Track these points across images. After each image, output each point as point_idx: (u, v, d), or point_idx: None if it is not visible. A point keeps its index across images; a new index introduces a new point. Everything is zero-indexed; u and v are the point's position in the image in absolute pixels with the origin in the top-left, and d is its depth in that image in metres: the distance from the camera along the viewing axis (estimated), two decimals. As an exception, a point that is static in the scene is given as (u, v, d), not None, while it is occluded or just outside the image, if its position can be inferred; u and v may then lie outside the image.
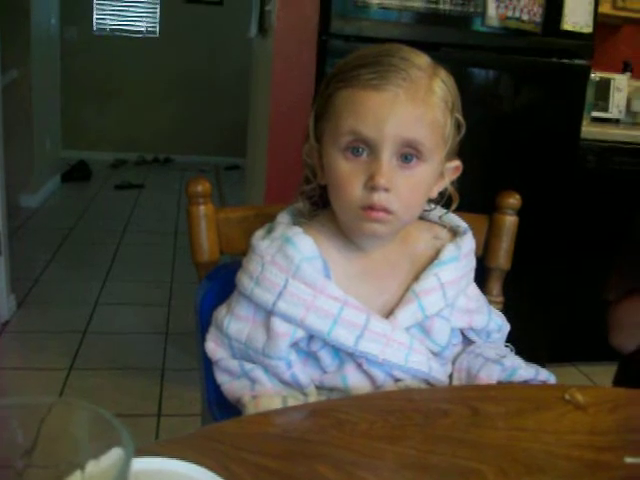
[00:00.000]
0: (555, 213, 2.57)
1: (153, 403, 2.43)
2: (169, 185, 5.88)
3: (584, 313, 2.82)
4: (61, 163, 5.63)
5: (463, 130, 0.97)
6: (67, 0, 5.74)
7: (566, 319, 2.80)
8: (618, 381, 1.49)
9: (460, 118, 0.96)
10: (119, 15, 6.67)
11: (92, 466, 0.39)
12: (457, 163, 1.00)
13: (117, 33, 6.65)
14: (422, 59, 0.93)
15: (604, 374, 2.83)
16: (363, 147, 0.90)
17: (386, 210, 0.91)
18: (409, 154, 0.90)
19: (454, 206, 1.03)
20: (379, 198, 0.90)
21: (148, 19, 6.71)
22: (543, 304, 2.70)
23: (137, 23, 6.72)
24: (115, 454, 0.38)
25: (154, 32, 6.71)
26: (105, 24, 6.64)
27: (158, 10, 6.67)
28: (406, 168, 0.91)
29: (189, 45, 6.57)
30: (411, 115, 0.89)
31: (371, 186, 0.89)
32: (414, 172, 0.91)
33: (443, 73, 0.95)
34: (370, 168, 0.90)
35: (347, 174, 0.91)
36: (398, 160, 0.90)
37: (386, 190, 0.89)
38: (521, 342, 1.12)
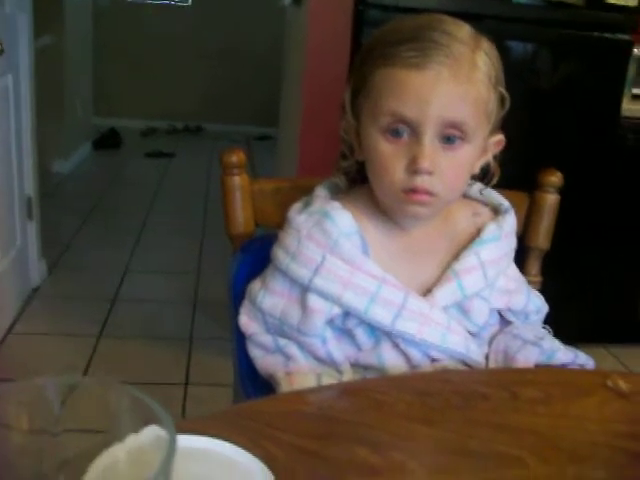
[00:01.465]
0: (593, 192, 2.52)
1: (181, 372, 2.44)
2: (200, 154, 5.86)
3: (617, 294, 2.78)
4: (92, 130, 5.64)
5: (507, 104, 0.93)
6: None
7: (598, 300, 2.76)
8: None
9: (504, 91, 0.92)
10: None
11: (132, 440, 0.38)
12: (500, 137, 0.97)
13: (149, 1, 6.62)
14: (464, 31, 0.89)
15: (634, 356, 2.81)
16: (404, 128, 0.87)
17: (429, 193, 0.88)
18: (452, 135, 0.87)
19: (494, 181, 1.00)
20: (422, 181, 0.87)
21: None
22: (576, 284, 2.66)
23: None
24: (153, 431, 0.37)
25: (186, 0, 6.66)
26: (138, -9, 6.60)
27: (191, -23, 6.62)
28: (449, 149, 0.88)
29: (221, 13, 6.51)
30: (454, 94, 0.86)
31: (414, 169, 0.87)
32: (457, 153, 0.89)
33: (486, 44, 0.90)
34: (412, 150, 0.87)
35: (388, 156, 0.89)
36: (441, 141, 0.87)
37: (429, 173, 0.87)
38: (553, 321, 1.10)
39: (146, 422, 0.35)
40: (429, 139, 0.86)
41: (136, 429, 0.36)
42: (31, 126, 2.82)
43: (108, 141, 5.79)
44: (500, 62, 0.92)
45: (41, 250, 3.04)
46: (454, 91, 0.86)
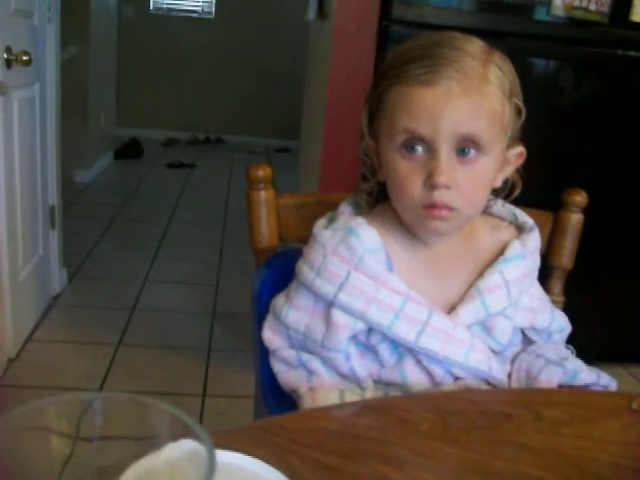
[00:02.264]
0: (615, 211, 2.50)
1: (198, 383, 2.45)
2: (220, 165, 5.90)
3: (637, 313, 2.76)
4: (114, 140, 5.70)
5: (523, 115, 0.93)
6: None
7: (618, 319, 2.74)
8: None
9: (519, 103, 0.92)
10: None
11: (169, 450, 0.38)
12: (520, 149, 0.97)
13: (173, 13, 6.68)
14: (475, 45, 0.90)
15: (655, 377, 2.78)
16: (419, 145, 0.88)
17: (448, 207, 0.89)
18: (467, 148, 0.88)
19: (516, 193, 1.00)
20: (440, 196, 0.87)
21: (204, -1, 6.73)
22: (595, 302, 2.64)
23: (193, 3, 6.73)
24: (190, 444, 0.37)
25: (210, 12, 6.72)
26: (162, 3, 6.67)
27: (215, -10, 6.68)
28: (466, 163, 0.88)
29: (244, 26, 6.56)
30: (467, 109, 0.86)
31: (431, 185, 0.87)
32: (474, 166, 0.89)
33: (498, 58, 0.90)
34: (428, 166, 0.87)
35: (406, 173, 0.89)
36: (457, 155, 0.88)
37: (447, 187, 0.87)
38: (572, 340, 1.09)
39: (184, 438, 0.36)
40: (444, 154, 0.87)
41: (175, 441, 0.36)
42: (56, 136, 2.86)
43: (130, 151, 5.84)
44: (515, 74, 0.92)
45: (62, 259, 3.07)
46: (466, 105, 0.86)
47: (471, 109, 0.86)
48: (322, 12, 2.65)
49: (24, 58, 2.29)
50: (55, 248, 2.96)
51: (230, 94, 6.67)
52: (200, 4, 6.73)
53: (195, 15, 6.72)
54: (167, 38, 6.55)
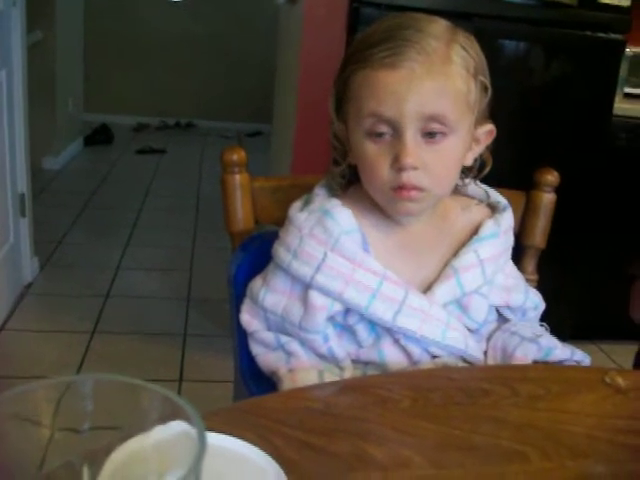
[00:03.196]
0: (585, 190, 2.53)
1: (175, 369, 2.44)
2: (191, 150, 5.86)
3: (607, 291, 2.80)
4: (83, 126, 5.62)
5: (489, 92, 0.94)
6: (91, -40, 5.69)
7: (589, 297, 2.78)
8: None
9: (485, 81, 0.93)
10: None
11: (158, 431, 0.39)
12: (490, 127, 0.98)
13: (140, -4, 6.60)
14: (438, 26, 0.90)
15: (624, 353, 2.83)
16: (386, 128, 0.88)
17: (417, 188, 0.90)
18: (433, 129, 0.88)
19: (486, 170, 1.01)
20: (408, 177, 0.88)
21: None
22: (567, 281, 2.68)
23: (161, -14, 6.65)
24: (180, 425, 0.37)
25: (178, -5, 6.65)
26: (129, -14, 6.58)
27: (182, -27, 6.60)
28: (432, 143, 0.89)
29: (213, 10, 6.50)
30: (430, 89, 0.87)
31: (398, 167, 0.88)
32: (441, 146, 0.89)
33: (462, 37, 0.91)
34: (395, 148, 0.88)
35: (373, 156, 0.90)
36: (423, 136, 0.88)
37: (414, 168, 0.88)
38: (545, 318, 1.11)
39: (174, 419, 0.36)
40: (410, 135, 0.87)
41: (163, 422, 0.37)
42: (24, 122, 2.82)
43: (99, 137, 5.77)
44: (480, 53, 0.93)
45: (33, 247, 3.04)
46: (429, 86, 0.87)
47: (435, 89, 0.87)
48: (292, -6, 2.64)
49: (-10, 43, 2.26)
50: (26, 236, 2.92)
51: (200, 78, 6.61)
52: (167, -12, 6.65)
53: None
54: (136, 22, 6.46)
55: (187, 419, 0.36)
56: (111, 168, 5.11)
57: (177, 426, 0.36)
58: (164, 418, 0.37)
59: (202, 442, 0.34)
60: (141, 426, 0.37)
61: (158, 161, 5.43)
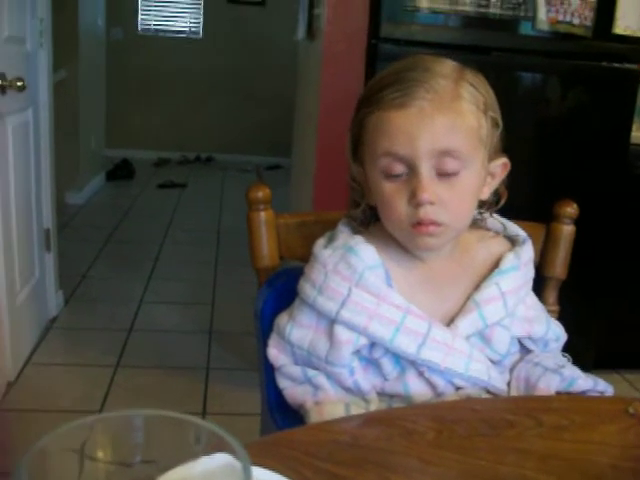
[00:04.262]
0: (604, 220, 2.54)
1: (198, 402, 2.46)
2: (211, 184, 5.93)
3: (630, 320, 2.79)
4: (105, 161, 5.71)
5: (501, 127, 0.96)
6: (112, 1, 5.81)
7: (612, 326, 2.77)
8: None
9: (495, 116, 0.95)
10: (163, 15, 6.74)
11: (204, 462, 0.41)
12: (504, 160, 1.00)
13: (161, 34, 6.73)
14: (446, 66, 0.93)
15: (649, 382, 2.81)
16: (401, 166, 0.91)
17: (435, 223, 0.92)
18: (447, 167, 0.90)
19: (501, 203, 1.03)
20: (425, 213, 0.90)
21: (191, 19, 6.77)
22: (589, 311, 2.67)
23: (180, 23, 6.78)
24: (225, 457, 0.39)
25: (197, 32, 6.77)
26: (149, 24, 6.72)
27: (201, 10, 6.73)
28: (447, 178, 0.91)
29: (231, 45, 6.62)
30: (441, 125, 0.89)
31: (415, 203, 0.90)
32: (456, 180, 0.91)
33: (470, 75, 0.94)
34: (411, 185, 0.90)
35: (391, 194, 0.93)
36: (438, 172, 0.91)
37: (431, 203, 0.90)
38: (568, 349, 1.12)
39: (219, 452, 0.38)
40: (425, 171, 0.90)
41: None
42: (50, 160, 2.88)
43: (121, 172, 5.86)
44: (489, 89, 0.95)
45: (58, 281, 3.09)
46: (440, 122, 0.89)
47: (446, 125, 0.89)
48: (311, 31, 2.69)
49: (18, 84, 2.32)
50: (51, 271, 2.97)
51: (220, 113, 6.71)
52: (188, 24, 6.78)
53: (183, 35, 6.78)
54: (155, 59, 6.59)
55: (232, 452, 0.38)
56: (133, 202, 5.19)
57: (222, 458, 0.38)
58: (209, 451, 0.39)
59: (247, 475, 0.36)
60: (188, 459, 0.39)
61: (179, 195, 5.50)
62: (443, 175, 0.91)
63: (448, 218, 0.92)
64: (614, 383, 1.04)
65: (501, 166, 1.00)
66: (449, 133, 0.89)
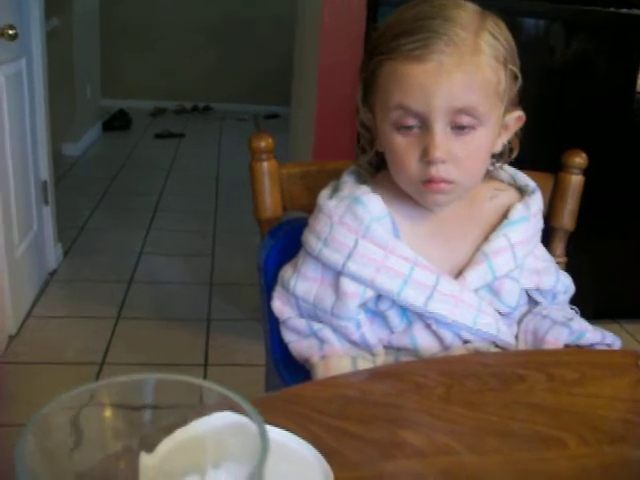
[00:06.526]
0: (610, 168, 2.51)
1: (200, 353, 2.46)
2: (209, 134, 5.88)
3: (631, 272, 2.79)
4: (101, 112, 5.64)
5: (520, 80, 0.93)
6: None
7: (613, 278, 2.77)
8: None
9: (515, 69, 0.91)
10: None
11: (213, 419, 0.40)
12: (519, 113, 0.96)
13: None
14: (466, 14, 0.88)
15: (648, 333, 2.83)
16: (414, 121, 0.87)
17: (446, 181, 0.89)
18: (462, 123, 0.87)
19: (514, 156, 1.00)
20: (437, 170, 0.88)
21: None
22: (591, 261, 2.66)
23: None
24: (236, 417, 0.38)
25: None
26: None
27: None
28: (462, 135, 0.88)
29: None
30: (459, 82, 0.85)
31: (427, 160, 0.87)
32: (471, 138, 0.88)
33: (491, 24, 0.89)
34: (424, 141, 0.87)
35: (402, 149, 0.89)
36: (453, 129, 0.87)
37: (443, 162, 0.87)
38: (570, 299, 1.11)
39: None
40: (439, 129, 0.86)
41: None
42: (45, 110, 2.83)
43: (118, 122, 5.80)
44: (510, 39, 0.91)
45: (57, 234, 3.06)
46: (458, 79, 0.85)
47: (464, 82, 0.85)
48: (310, -24, 2.62)
49: (10, 32, 2.27)
50: (49, 224, 2.95)
51: (217, 62, 6.61)
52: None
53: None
54: (150, 7, 6.46)
55: (244, 413, 0.36)
56: (130, 153, 5.14)
57: (232, 417, 0.37)
58: (219, 411, 0.38)
59: (264, 443, 0.34)
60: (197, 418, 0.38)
61: (177, 145, 5.45)
62: (458, 132, 0.88)
63: (460, 175, 0.89)
64: (614, 334, 1.03)
65: (516, 119, 0.97)
66: (467, 90, 0.86)
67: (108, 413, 0.38)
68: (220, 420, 0.38)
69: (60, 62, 4.26)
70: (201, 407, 0.38)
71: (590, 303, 2.58)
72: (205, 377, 2.31)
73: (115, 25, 6.23)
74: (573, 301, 1.11)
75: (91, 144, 5.20)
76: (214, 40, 6.57)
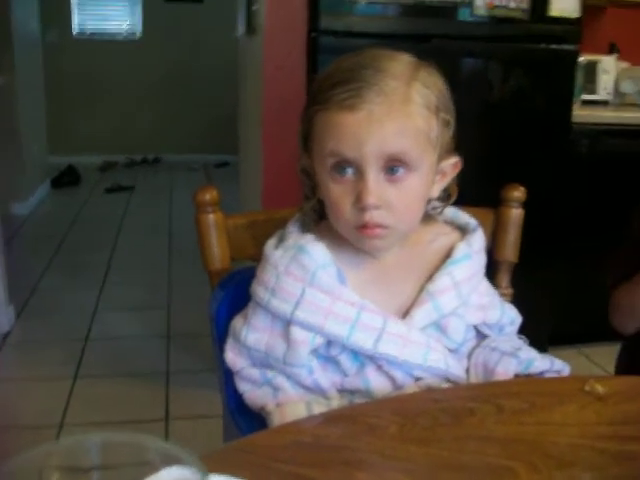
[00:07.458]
0: (550, 199, 2.58)
1: (160, 407, 2.43)
2: (159, 185, 5.87)
3: (582, 296, 2.84)
4: (50, 169, 5.60)
5: (452, 127, 0.95)
6: (45, 2, 5.68)
7: (565, 304, 2.82)
8: (622, 366, 1.52)
9: (447, 117, 0.94)
10: (99, 16, 6.63)
11: (165, 474, 0.40)
12: (455, 159, 0.99)
13: (97, 36, 6.61)
14: (399, 65, 0.91)
15: (605, 354, 2.87)
16: (348, 167, 0.90)
17: (380, 226, 0.91)
18: (395, 167, 0.90)
19: (452, 200, 1.03)
20: (371, 216, 0.90)
21: (129, 20, 6.67)
22: (542, 290, 2.71)
23: (118, 25, 6.68)
24: (183, 471, 0.39)
25: (134, 34, 6.67)
26: (85, 26, 6.59)
27: (139, 11, 6.63)
28: (394, 181, 0.90)
29: (171, 44, 6.54)
30: (390, 130, 0.88)
31: (361, 206, 0.89)
32: (404, 184, 0.91)
33: (424, 74, 0.92)
34: (357, 187, 0.89)
35: (337, 195, 0.92)
36: (385, 174, 0.90)
37: (376, 207, 0.89)
38: (523, 327, 1.13)
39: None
40: (372, 175, 0.89)
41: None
42: (-9, 171, 2.81)
43: (67, 178, 5.76)
44: (442, 88, 0.94)
45: (8, 295, 3.02)
46: (389, 127, 0.88)
47: (395, 129, 0.88)
48: (250, 27, 2.68)
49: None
50: (0, 285, 2.90)
51: (164, 113, 6.64)
52: (124, 25, 6.67)
53: (120, 38, 6.67)
54: (94, 61, 6.48)
55: (190, 466, 0.37)
56: (80, 209, 5.10)
57: (180, 472, 0.38)
58: (167, 466, 0.38)
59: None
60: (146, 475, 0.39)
61: (128, 199, 5.43)
62: (390, 177, 0.90)
63: (394, 221, 0.91)
64: (572, 358, 1.06)
65: (452, 165, 0.99)
66: (398, 137, 0.88)
67: (59, 476, 0.38)
68: (168, 476, 0.39)
69: (4, 121, 4.24)
70: (148, 465, 0.39)
71: (545, 330, 2.65)
72: (167, 432, 2.28)
73: (60, 80, 6.22)
74: (527, 330, 1.13)
75: (40, 202, 5.16)
76: (160, 92, 6.61)
